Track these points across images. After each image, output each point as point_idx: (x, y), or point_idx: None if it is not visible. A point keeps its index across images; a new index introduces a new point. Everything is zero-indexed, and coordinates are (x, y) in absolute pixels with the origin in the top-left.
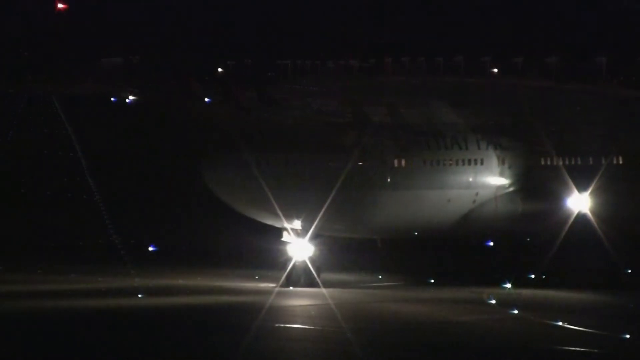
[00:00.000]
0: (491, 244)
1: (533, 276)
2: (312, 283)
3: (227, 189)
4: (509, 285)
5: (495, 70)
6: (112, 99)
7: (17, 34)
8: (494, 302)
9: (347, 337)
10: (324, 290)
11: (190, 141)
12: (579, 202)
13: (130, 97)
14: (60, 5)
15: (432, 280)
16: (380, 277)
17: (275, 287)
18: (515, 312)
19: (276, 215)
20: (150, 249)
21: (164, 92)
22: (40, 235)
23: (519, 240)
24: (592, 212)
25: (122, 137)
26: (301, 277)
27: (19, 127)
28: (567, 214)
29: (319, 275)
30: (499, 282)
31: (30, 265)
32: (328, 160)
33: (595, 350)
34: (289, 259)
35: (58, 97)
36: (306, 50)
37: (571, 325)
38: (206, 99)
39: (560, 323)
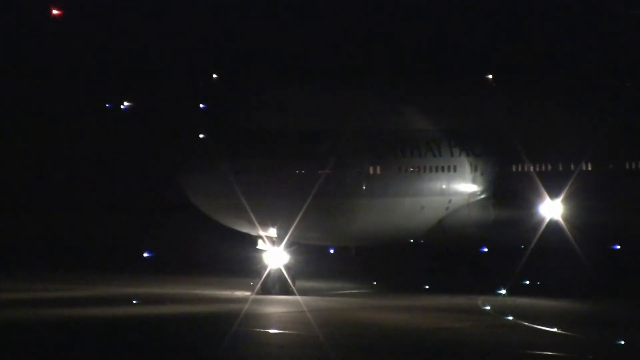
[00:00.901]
0: (485, 249)
1: (527, 282)
2: (287, 291)
3: (203, 196)
4: (503, 292)
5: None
6: (107, 105)
7: (10, 40)
8: (488, 308)
9: (321, 342)
10: (299, 298)
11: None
12: (551, 209)
13: (126, 103)
14: (55, 12)
15: (427, 287)
16: (375, 282)
17: (251, 295)
18: (509, 318)
19: (251, 223)
20: (145, 254)
21: (162, 97)
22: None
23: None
24: (564, 218)
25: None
26: (276, 285)
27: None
28: (539, 221)
29: (294, 283)
30: (488, 289)
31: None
32: (304, 168)
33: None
34: (264, 267)
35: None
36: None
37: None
38: (201, 105)
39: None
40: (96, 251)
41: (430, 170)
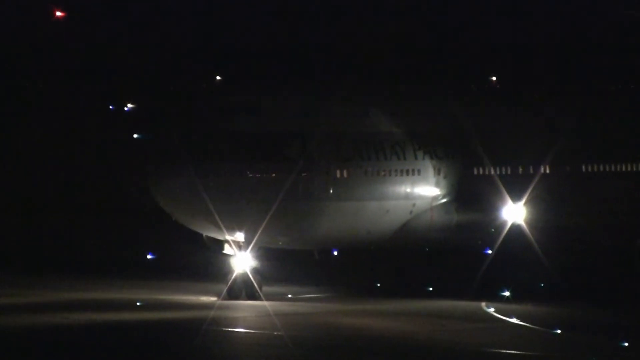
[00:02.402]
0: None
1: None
2: (254, 296)
3: (170, 200)
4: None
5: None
6: (110, 107)
7: (13, 41)
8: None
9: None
10: (266, 303)
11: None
12: (513, 212)
13: (129, 105)
14: (58, 13)
15: (431, 289)
16: (380, 283)
17: (217, 300)
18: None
19: (218, 227)
20: (149, 257)
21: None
22: None
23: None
24: (526, 221)
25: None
26: (243, 290)
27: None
28: (502, 224)
29: (260, 288)
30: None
31: None
32: (271, 171)
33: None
34: (231, 272)
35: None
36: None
37: None
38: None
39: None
40: (78, 254)
41: (396, 174)
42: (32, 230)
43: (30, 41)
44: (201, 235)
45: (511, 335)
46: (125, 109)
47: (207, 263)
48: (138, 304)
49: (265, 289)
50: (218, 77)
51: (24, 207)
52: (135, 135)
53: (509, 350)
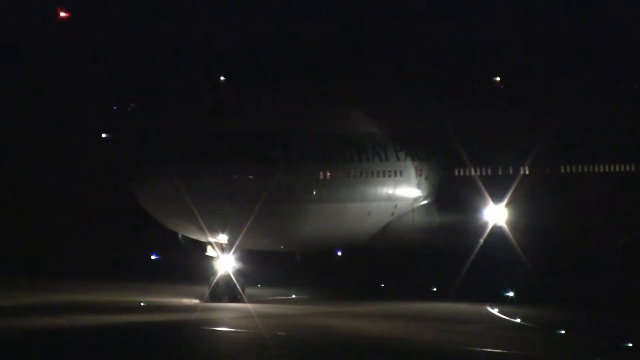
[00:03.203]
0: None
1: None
2: (236, 298)
3: (153, 201)
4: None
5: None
6: (114, 107)
7: (16, 43)
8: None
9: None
10: (249, 305)
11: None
12: (494, 213)
13: (132, 105)
14: (62, 14)
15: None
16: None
17: (200, 302)
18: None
19: (201, 229)
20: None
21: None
22: None
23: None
24: (507, 223)
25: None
26: (225, 292)
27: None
28: (483, 226)
29: (243, 290)
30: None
31: None
32: (254, 173)
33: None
34: (214, 274)
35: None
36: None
37: None
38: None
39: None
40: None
41: (378, 175)
42: (21, 230)
43: (34, 41)
44: (177, 235)
45: (494, 335)
46: (129, 109)
47: (188, 265)
48: (142, 304)
49: (248, 290)
50: (222, 78)
51: (16, 207)
52: (104, 135)
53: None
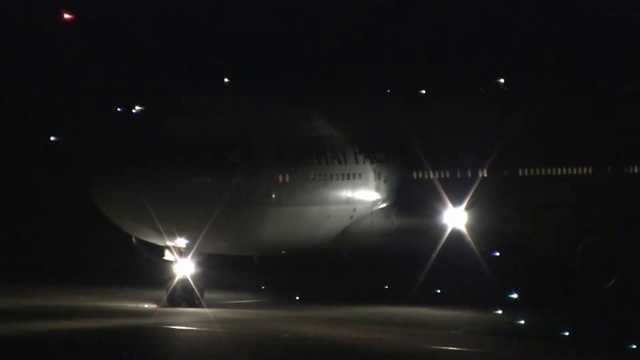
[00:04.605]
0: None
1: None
2: (194, 303)
3: (110, 206)
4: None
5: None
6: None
7: (19, 44)
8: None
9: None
10: (207, 310)
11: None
12: (453, 217)
13: (137, 108)
14: (66, 16)
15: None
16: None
17: (157, 307)
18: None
19: (159, 233)
20: None
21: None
22: None
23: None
24: (466, 226)
25: None
26: (183, 297)
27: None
28: (442, 229)
29: (202, 295)
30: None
31: None
32: (213, 176)
33: None
34: (171, 278)
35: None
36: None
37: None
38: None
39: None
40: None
41: (337, 178)
42: None
43: (37, 42)
44: (131, 238)
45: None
46: (134, 111)
47: (147, 269)
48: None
49: (206, 295)
50: (226, 80)
51: None
52: (52, 138)
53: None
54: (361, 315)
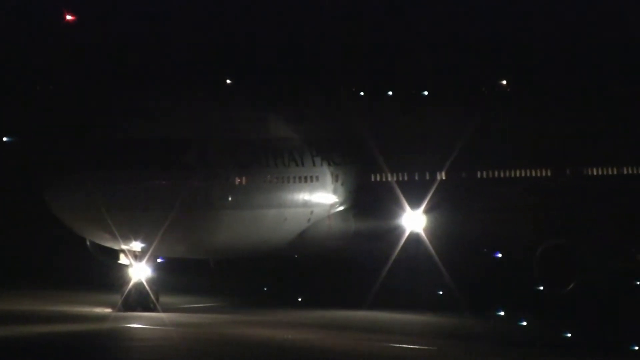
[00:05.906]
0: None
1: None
2: (149, 307)
3: (64, 208)
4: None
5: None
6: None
7: (21, 45)
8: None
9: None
10: (162, 314)
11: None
12: (411, 220)
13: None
14: (69, 17)
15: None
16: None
17: (112, 312)
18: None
19: (114, 236)
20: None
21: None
22: None
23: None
24: (424, 229)
25: None
26: (138, 301)
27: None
28: (400, 232)
29: (157, 299)
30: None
31: None
32: (169, 179)
33: None
34: (126, 282)
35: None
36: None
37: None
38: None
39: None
40: None
41: (294, 181)
42: None
43: (40, 43)
44: (85, 242)
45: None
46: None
47: (101, 272)
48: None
49: (163, 298)
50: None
51: None
52: (5, 139)
53: None
54: (318, 319)
